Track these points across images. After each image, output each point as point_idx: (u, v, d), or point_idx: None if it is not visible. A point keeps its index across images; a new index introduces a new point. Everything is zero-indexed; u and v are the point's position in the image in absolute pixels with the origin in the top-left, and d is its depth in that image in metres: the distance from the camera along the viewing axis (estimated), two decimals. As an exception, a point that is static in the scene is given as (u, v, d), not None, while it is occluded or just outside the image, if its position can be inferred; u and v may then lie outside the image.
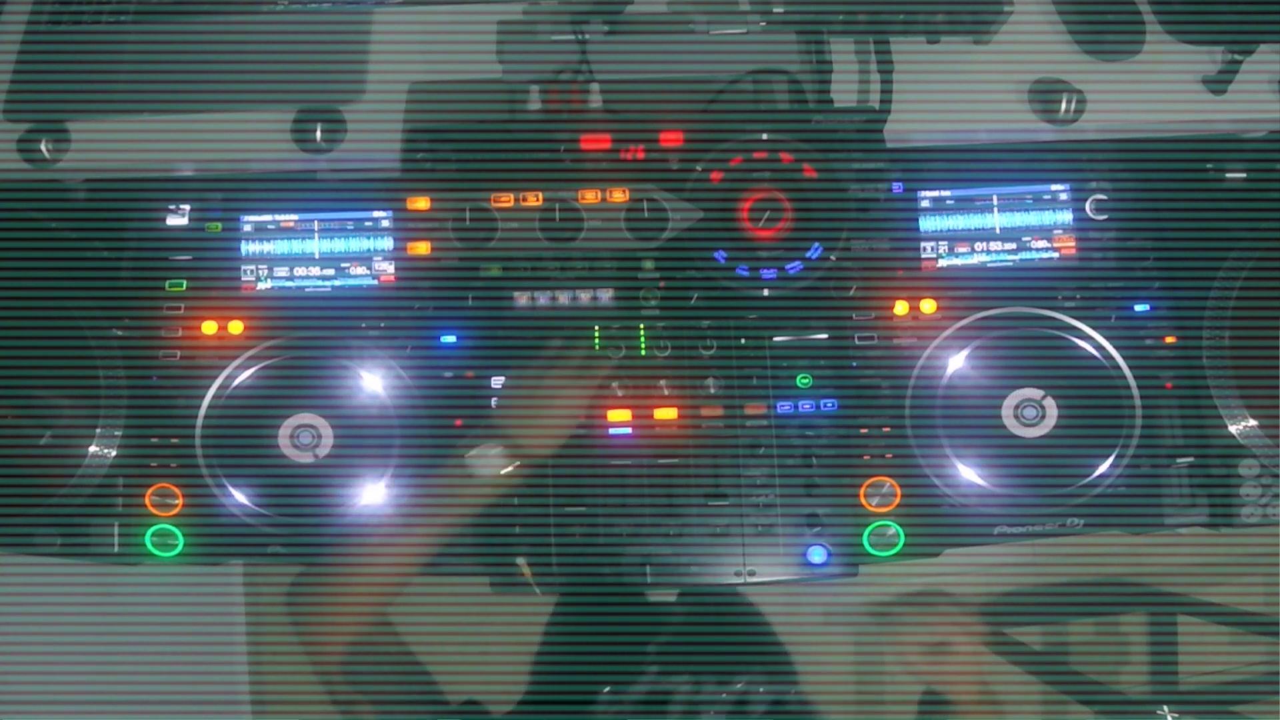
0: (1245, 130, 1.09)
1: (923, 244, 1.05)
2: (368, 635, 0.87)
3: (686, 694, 0.92)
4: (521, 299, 1.01)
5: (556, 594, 1.20)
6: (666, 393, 0.99)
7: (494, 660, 1.15)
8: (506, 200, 1.01)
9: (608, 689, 0.93)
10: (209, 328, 1.04)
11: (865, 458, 0.99)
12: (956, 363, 1.02)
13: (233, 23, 1.12)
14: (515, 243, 1.01)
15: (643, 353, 1.00)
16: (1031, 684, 1.85)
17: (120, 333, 1.05)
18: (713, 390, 0.99)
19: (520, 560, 0.96)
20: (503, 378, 0.99)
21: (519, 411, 0.92)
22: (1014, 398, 1.00)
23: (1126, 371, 1.00)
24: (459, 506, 0.89)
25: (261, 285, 1.06)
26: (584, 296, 1.01)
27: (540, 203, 1.01)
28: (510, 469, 0.88)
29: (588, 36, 1.03)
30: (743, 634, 1.16)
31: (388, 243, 1.06)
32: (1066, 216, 1.05)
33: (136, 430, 1.03)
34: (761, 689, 0.93)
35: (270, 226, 1.07)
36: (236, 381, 1.03)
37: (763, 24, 1.03)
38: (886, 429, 1.00)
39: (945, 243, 1.05)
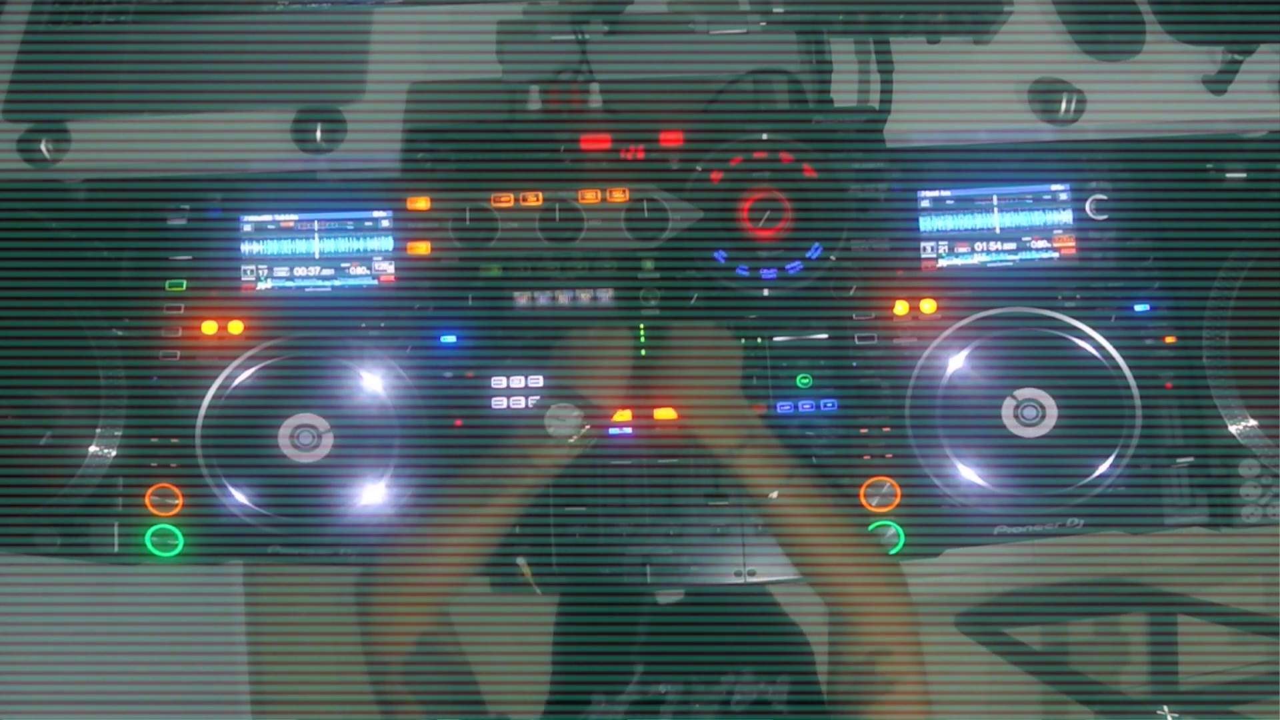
0: (1245, 130, 1.09)
1: (923, 244, 1.05)
2: (436, 626, 0.87)
3: (677, 697, 0.93)
4: (521, 299, 1.01)
5: (557, 596, 1.21)
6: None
7: (500, 663, 1.15)
8: (506, 200, 1.01)
9: (601, 697, 0.93)
10: (209, 328, 1.04)
11: (865, 458, 0.99)
12: (956, 363, 1.02)
13: (233, 23, 1.12)
14: (515, 243, 1.01)
15: (643, 353, 1.00)
16: (1031, 684, 1.85)
17: (120, 333, 1.05)
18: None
19: (520, 560, 0.96)
20: (505, 381, 1.00)
21: (586, 368, 0.92)
22: (1014, 398, 1.00)
23: (1126, 371, 1.00)
24: (536, 472, 0.89)
25: (261, 285, 1.06)
26: (584, 296, 1.01)
27: (540, 203, 1.01)
28: (584, 429, 0.88)
29: (588, 36, 1.03)
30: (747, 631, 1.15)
31: (388, 243, 1.06)
32: (1066, 216, 1.05)
33: (136, 430, 1.03)
34: (749, 687, 0.94)
35: (270, 226, 1.07)
36: (236, 381, 1.03)
37: (763, 24, 1.03)
38: (886, 429, 1.00)
39: (945, 243, 1.05)
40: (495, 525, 0.89)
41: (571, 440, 0.87)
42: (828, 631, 0.87)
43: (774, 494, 0.86)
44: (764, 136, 1.01)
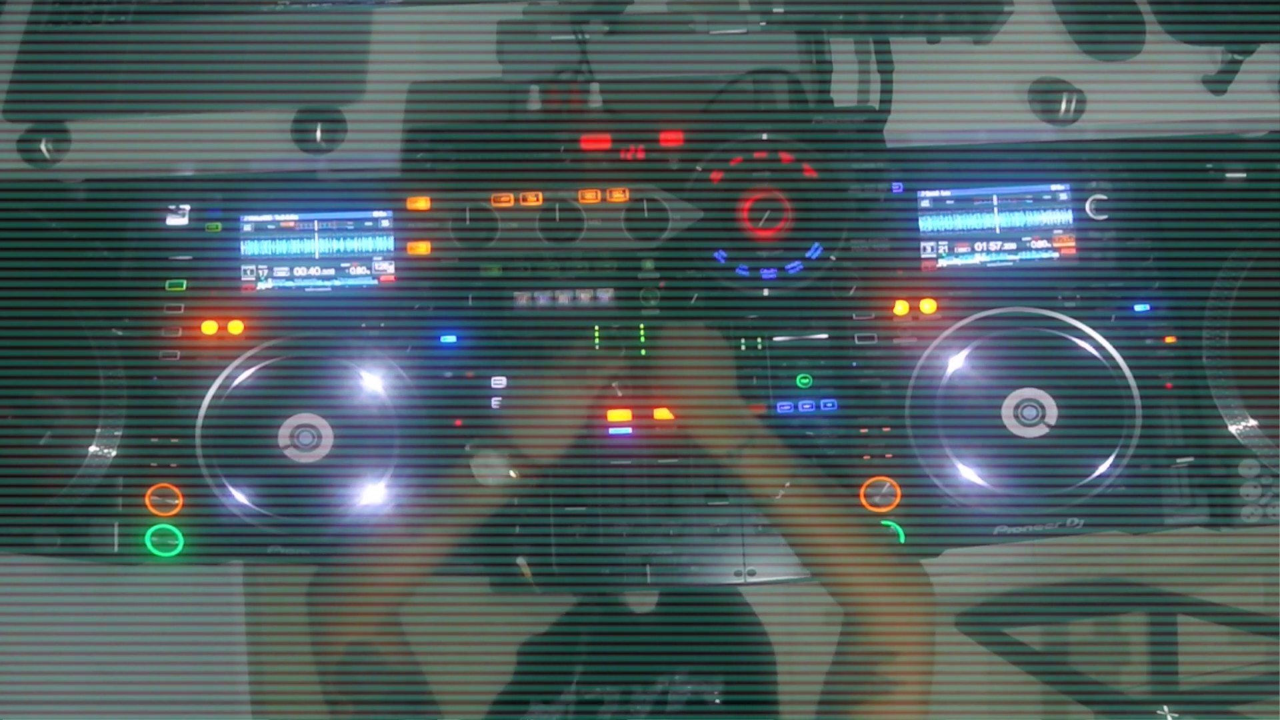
0: (1245, 130, 1.09)
1: (923, 244, 1.05)
2: (375, 637, 0.87)
3: (615, 699, 0.93)
4: (521, 299, 1.01)
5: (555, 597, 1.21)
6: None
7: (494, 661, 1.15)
8: (506, 200, 1.01)
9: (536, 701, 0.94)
10: (209, 328, 1.04)
11: (865, 458, 1.00)
12: (956, 363, 1.02)
13: (233, 23, 1.12)
14: (515, 243, 1.01)
15: (643, 353, 1.00)
16: (1031, 684, 1.85)
17: (120, 333, 1.05)
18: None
19: (520, 560, 0.96)
20: (504, 382, 0.99)
21: (522, 418, 0.91)
22: (1014, 398, 1.00)
23: (1126, 371, 1.00)
24: (464, 514, 0.89)
25: (261, 285, 1.06)
26: (584, 296, 1.01)
27: (540, 203, 1.01)
28: (513, 475, 0.87)
29: (588, 36, 1.03)
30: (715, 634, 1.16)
31: (388, 243, 1.06)
32: (1066, 216, 1.05)
33: (136, 430, 1.03)
34: (682, 687, 0.94)
35: (270, 226, 1.07)
36: (236, 381, 1.03)
37: (763, 24, 1.03)
38: (886, 429, 1.00)
39: (945, 243, 1.05)
40: (434, 553, 0.90)
41: (503, 483, 0.86)
42: (841, 628, 0.85)
43: (779, 494, 0.86)
44: (764, 136, 1.01)
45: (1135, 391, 1.00)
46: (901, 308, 1.03)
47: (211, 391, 1.02)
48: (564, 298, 1.01)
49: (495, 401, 0.99)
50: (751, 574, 0.97)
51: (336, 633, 0.87)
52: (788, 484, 0.86)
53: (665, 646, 1.03)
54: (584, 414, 0.92)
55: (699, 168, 1.01)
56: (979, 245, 1.05)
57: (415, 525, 0.90)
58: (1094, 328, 1.01)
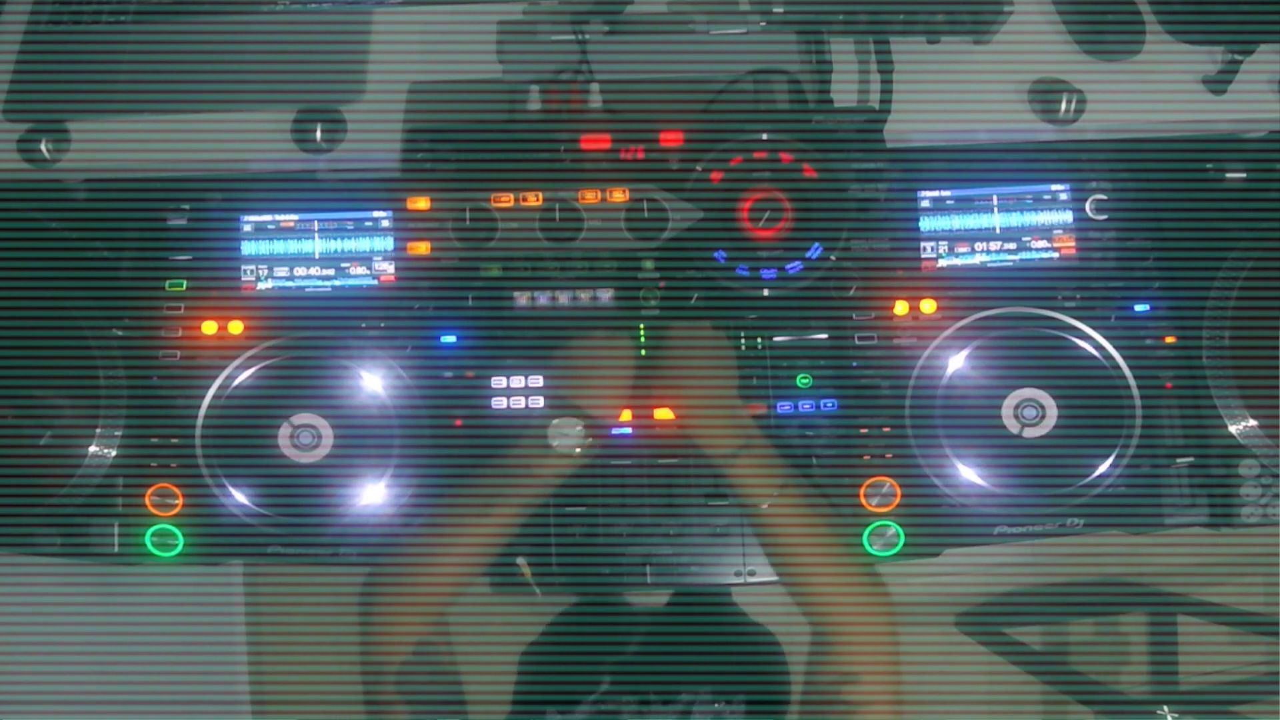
0: (1245, 130, 1.09)
1: (923, 244, 1.05)
2: (431, 633, 0.87)
3: (633, 711, 0.93)
4: (521, 299, 1.01)
5: (557, 598, 1.21)
6: (666, 393, 0.99)
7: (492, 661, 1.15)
8: (506, 200, 1.01)
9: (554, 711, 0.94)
10: (209, 328, 1.04)
11: (865, 458, 0.99)
12: (956, 363, 1.02)
13: (233, 23, 1.12)
14: (515, 243, 1.01)
15: (642, 353, 1.00)
16: (1031, 684, 1.85)
17: (120, 333, 1.05)
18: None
19: (520, 560, 0.96)
20: (506, 381, 1.00)
21: (586, 380, 0.92)
22: (1014, 398, 1.00)
23: (1126, 371, 1.00)
24: (532, 487, 0.89)
25: (261, 285, 1.06)
26: (584, 296, 1.01)
27: (540, 203, 1.01)
28: (588, 442, 0.88)
29: (588, 36, 1.03)
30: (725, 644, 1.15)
31: (388, 243, 1.06)
32: (1066, 216, 1.05)
33: (136, 430, 1.03)
34: (706, 705, 0.94)
35: (270, 226, 1.07)
36: (236, 381, 1.03)
37: (763, 24, 1.03)
38: (886, 429, 1.00)
39: (945, 243, 1.05)
40: (498, 534, 0.90)
41: (576, 452, 0.88)
42: (809, 646, 0.87)
43: (765, 505, 0.86)
44: (764, 136, 1.01)
45: (1135, 391, 1.00)
46: (901, 308, 1.03)
47: (211, 391, 1.02)
48: (564, 298, 1.01)
49: (494, 401, 0.99)
50: (751, 574, 0.97)
51: (395, 630, 0.87)
52: (776, 494, 0.86)
53: (675, 660, 1.03)
54: (634, 374, 0.94)
55: (699, 168, 1.01)
56: (979, 245, 1.05)
57: (482, 506, 0.89)
58: (1094, 328, 1.01)
